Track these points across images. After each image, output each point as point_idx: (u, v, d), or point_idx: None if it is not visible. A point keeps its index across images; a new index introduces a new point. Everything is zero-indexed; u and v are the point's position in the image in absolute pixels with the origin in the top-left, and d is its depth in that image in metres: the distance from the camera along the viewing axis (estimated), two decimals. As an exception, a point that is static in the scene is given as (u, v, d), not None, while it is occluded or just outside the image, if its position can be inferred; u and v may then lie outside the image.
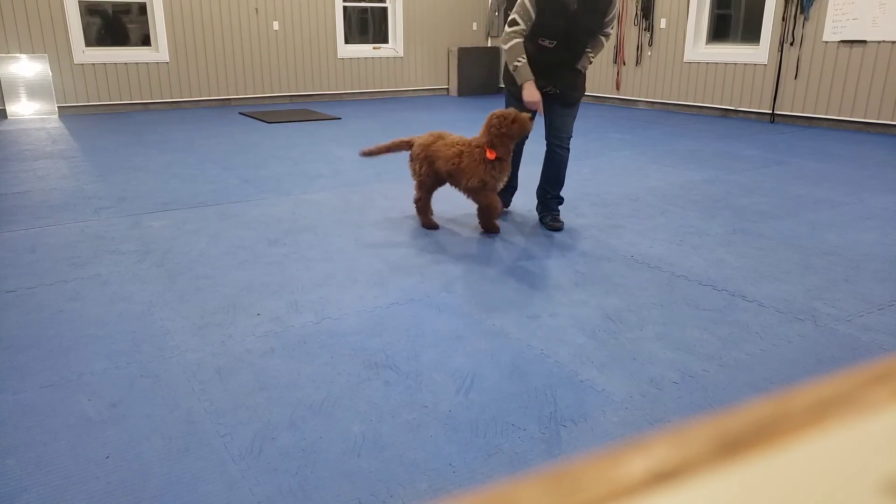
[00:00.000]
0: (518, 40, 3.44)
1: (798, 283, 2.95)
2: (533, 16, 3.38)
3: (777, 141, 6.66)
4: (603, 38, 3.55)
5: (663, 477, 0.24)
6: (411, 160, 3.72)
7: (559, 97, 3.62)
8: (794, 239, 3.55)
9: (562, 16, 3.34)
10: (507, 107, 3.68)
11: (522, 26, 3.41)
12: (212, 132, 7.20)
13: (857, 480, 0.24)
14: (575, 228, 3.75)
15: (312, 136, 6.95)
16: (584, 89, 3.67)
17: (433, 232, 3.69)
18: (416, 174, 3.69)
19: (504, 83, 3.77)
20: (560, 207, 3.91)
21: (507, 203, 4.10)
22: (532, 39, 3.45)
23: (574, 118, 3.70)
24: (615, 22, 3.52)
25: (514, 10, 3.46)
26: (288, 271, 3.09)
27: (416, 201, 3.74)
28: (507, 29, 3.48)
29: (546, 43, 3.41)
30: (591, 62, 3.61)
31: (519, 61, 3.45)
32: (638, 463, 0.25)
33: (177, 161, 5.67)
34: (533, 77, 3.45)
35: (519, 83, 3.48)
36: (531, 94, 3.45)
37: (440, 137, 3.61)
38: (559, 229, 3.73)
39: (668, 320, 2.57)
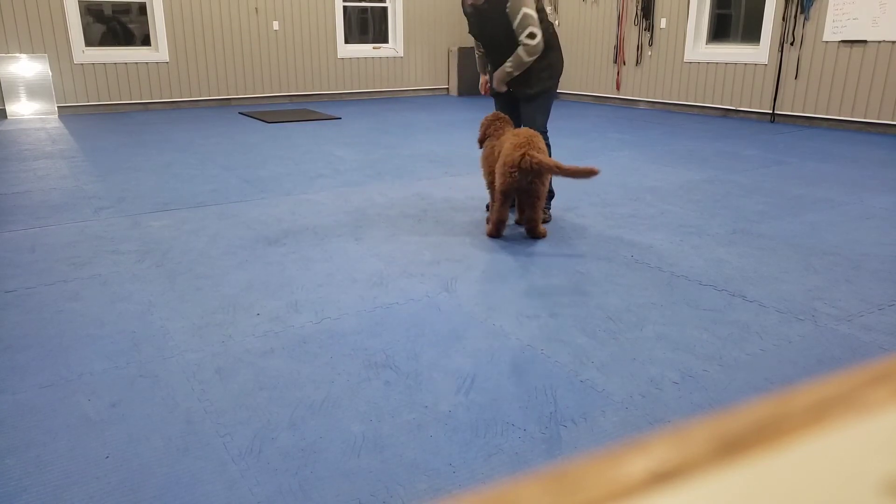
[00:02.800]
0: (477, 54, 4.02)
1: (798, 283, 2.95)
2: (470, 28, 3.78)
3: (777, 141, 6.66)
4: (519, 49, 3.53)
5: (663, 477, 0.24)
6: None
7: (517, 95, 3.83)
8: (794, 239, 3.55)
9: (476, 19, 3.64)
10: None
11: (476, 41, 3.89)
12: (212, 132, 7.20)
13: (857, 480, 0.24)
14: (575, 228, 3.75)
15: (312, 136, 6.95)
16: (540, 86, 3.72)
17: (432, 232, 3.69)
18: None
19: None
20: (552, 202, 4.04)
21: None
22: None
23: (541, 112, 3.81)
24: (529, 29, 3.45)
25: None
26: (288, 271, 3.09)
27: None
28: None
29: (481, 49, 3.81)
30: (513, 70, 3.62)
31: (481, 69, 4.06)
32: (638, 463, 0.25)
33: (177, 161, 5.67)
34: (485, 75, 4.01)
35: None
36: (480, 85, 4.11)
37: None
38: (545, 222, 3.85)
39: (668, 320, 2.57)
